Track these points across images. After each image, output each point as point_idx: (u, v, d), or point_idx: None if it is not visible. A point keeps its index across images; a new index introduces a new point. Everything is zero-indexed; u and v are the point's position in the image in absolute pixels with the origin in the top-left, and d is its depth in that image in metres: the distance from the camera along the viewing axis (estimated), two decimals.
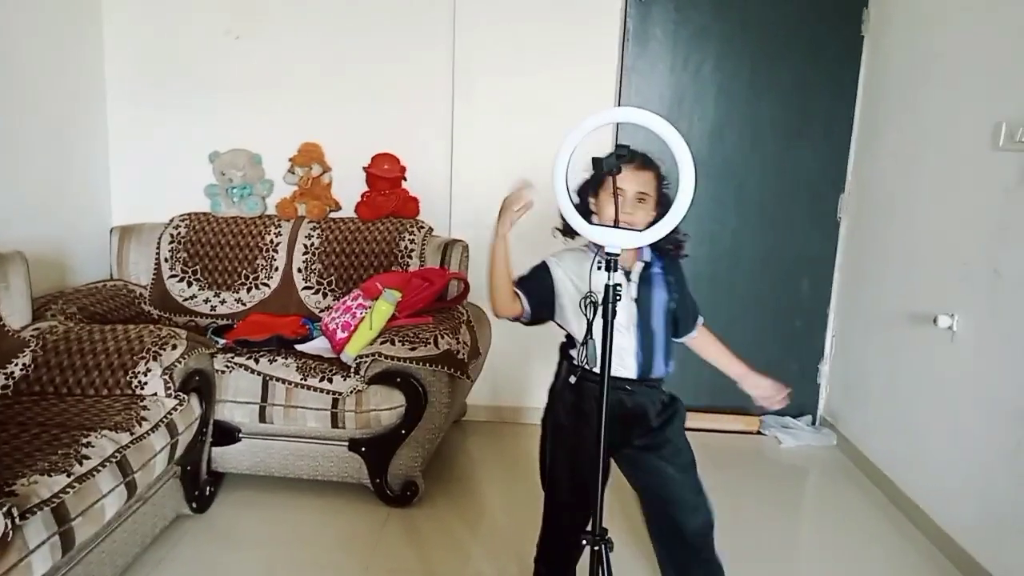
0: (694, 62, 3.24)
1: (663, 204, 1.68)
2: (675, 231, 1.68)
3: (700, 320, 1.82)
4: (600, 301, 1.47)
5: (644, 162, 1.65)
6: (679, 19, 3.20)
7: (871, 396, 3.06)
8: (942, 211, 2.59)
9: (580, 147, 1.41)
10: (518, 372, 3.40)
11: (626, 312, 1.66)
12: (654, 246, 1.70)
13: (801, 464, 3.19)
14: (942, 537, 2.47)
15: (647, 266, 1.70)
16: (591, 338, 1.52)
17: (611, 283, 1.44)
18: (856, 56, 3.22)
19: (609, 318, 1.46)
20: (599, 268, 1.46)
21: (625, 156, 1.45)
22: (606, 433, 1.49)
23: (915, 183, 2.78)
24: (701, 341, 1.83)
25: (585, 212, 1.66)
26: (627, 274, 1.68)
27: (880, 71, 3.11)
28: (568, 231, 1.61)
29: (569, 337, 1.75)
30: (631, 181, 1.62)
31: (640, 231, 1.44)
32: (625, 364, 1.67)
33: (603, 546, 1.49)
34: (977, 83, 2.43)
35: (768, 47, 3.23)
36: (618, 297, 1.46)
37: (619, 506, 1.78)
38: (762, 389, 1.78)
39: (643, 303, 1.68)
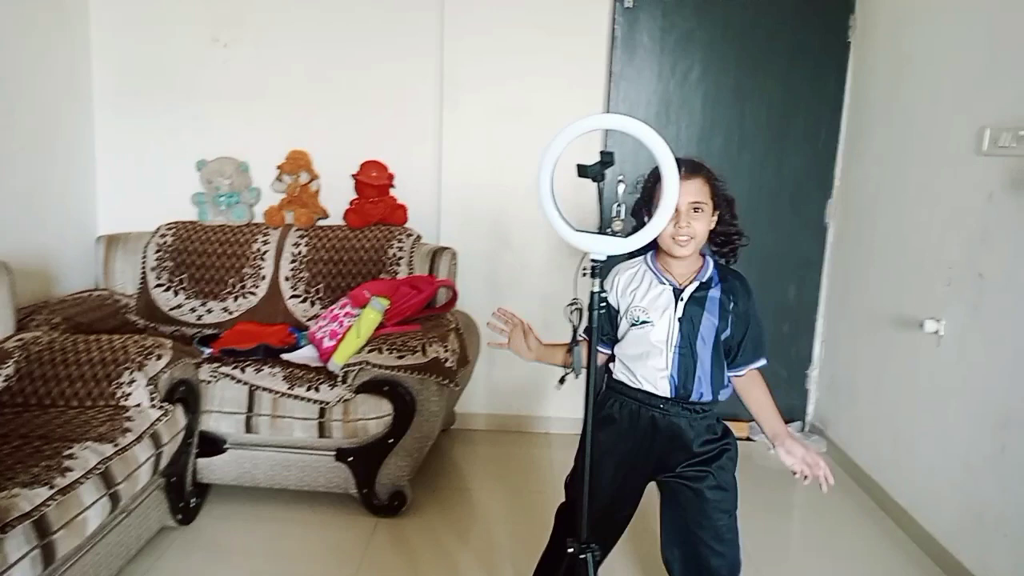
0: (681, 68, 3.25)
1: (725, 206, 1.63)
2: (733, 230, 1.64)
3: (757, 363, 1.66)
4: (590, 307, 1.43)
5: (690, 169, 1.57)
6: (666, 26, 3.21)
7: (859, 401, 3.07)
8: (928, 216, 2.60)
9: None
10: (514, 380, 3.40)
11: (666, 331, 1.60)
12: (717, 257, 1.64)
13: (790, 469, 3.18)
14: (928, 540, 2.47)
15: (702, 286, 1.61)
16: (576, 345, 1.51)
17: (595, 291, 1.42)
18: (843, 62, 3.24)
19: (594, 325, 1.44)
20: (583, 275, 1.44)
21: (610, 163, 1.42)
22: (592, 445, 1.49)
23: (902, 188, 2.79)
24: (747, 384, 1.68)
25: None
26: (678, 292, 1.61)
27: (866, 77, 3.13)
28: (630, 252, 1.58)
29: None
30: (681, 192, 1.50)
31: (623, 238, 1.40)
32: (659, 385, 1.62)
33: (589, 555, 1.48)
34: (962, 89, 2.44)
35: (754, 53, 3.24)
36: (603, 304, 1.45)
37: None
38: (795, 458, 1.62)
39: (687, 325, 1.59)
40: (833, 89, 3.26)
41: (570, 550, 1.50)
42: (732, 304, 1.61)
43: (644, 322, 1.61)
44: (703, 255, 1.64)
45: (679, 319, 1.59)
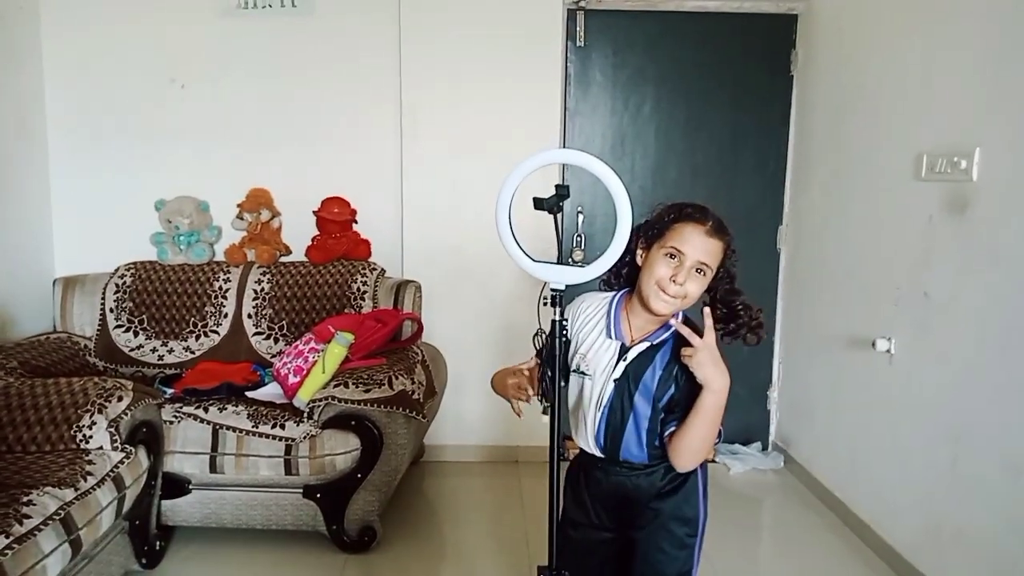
0: (634, 104, 3.36)
1: (725, 278, 1.47)
2: (736, 301, 1.46)
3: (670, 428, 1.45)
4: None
5: (717, 227, 1.43)
6: (617, 63, 3.32)
7: (818, 420, 3.14)
8: (874, 239, 2.71)
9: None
10: (482, 410, 3.40)
11: (600, 389, 1.49)
12: (725, 325, 1.44)
13: (754, 489, 3.24)
14: (889, 552, 2.54)
15: (652, 348, 1.46)
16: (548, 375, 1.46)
17: (556, 318, 1.43)
18: (787, 95, 3.37)
19: (558, 353, 1.45)
20: (544, 304, 1.45)
21: (565, 195, 1.40)
22: (558, 473, 1.47)
23: (848, 213, 2.91)
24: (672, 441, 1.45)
25: (629, 264, 1.49)
26: (624, 350, 1.47)
27: (809, 108, 3.27)
28: (608, 281, 1.52)
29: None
30: (696, 246, 1.40)
31: (582, 267, 1.39)
32: (589, 443, 1.53)
33: None
34: (898, 118, 2.57)
35: (703, 88, 3.35)
36: (564, 332, 1.45)
37: None
38: (698, 356, 1.38)
39: (624, 386, 1.46)
40: (779, 121, 3.39)
41: None
42: (677, 367, 1.44)
43: (583, 373, 1.51)
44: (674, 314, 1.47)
45: (615, 380, 1.47)
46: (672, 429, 1.45)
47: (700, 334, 1.39)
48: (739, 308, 1.47)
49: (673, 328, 1.44)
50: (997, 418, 2.07)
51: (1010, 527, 2.02)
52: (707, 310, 1.42)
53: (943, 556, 2.28)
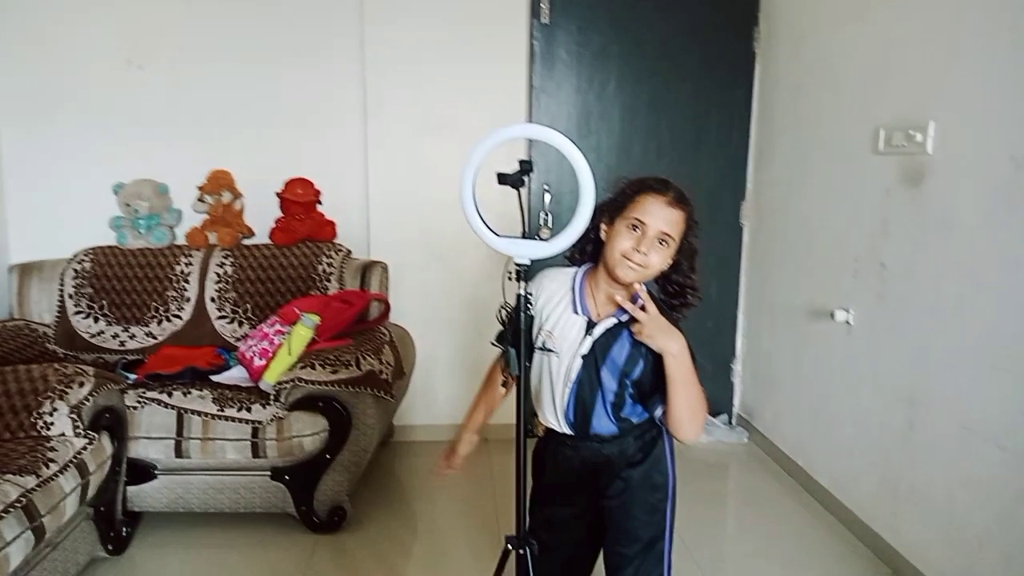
0: (599, 81, 3.36)
1: (687, 254, 1.50)
2: (689, 283, 1.51)
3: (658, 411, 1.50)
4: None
5: (678, 198, 1.45)
6: (582, 41, 3.31)
7: (780, 390, 3.21)
8: (833, 212, 2.76)
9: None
10: (451, 390, 3.41)
11: (567, 365, 1.50)
12: (670, 299, 1.50)
13: (717, 458, 3.31)
14: (848, 515, 2.62)
15: (620, 324, 1.48)
16: (511, 348, 1.47)
17: (520, 292, 1.44)
18: (749, 71, 3.40)
19: (522, 327, 1.46)
20: (509, 279, 1.45)
21: (529, 170, 1.43)
22: (525, 447, 1.51)
23: (808, 187, 2.96)
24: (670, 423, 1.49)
25: (593, 241, 1.51)
26: (590, 325, 1.49)
27: (771, 84, 3.30)
28: (572, 257, 1.54)
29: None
30: (658, 216, 1.42)
31: (546, 241, 1.41)
32: (558, 420, 1.56)
33: (527, 548, 1.51)
34: (857, 93, 2.61)
35: (667, 65, 3.36)
36: (529, 307, 1.46)
37: None
38: (646, 329, 1.41)
39: (591, 361, 1.49)
40: (742, 97, 3.41)
41: (509, 546, 1.52)
42: (644, 345, 1.44)
43: (548, 349, 1.52)
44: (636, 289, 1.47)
45: (583, 356, 1.49)
46: (661, 409, 1.49)
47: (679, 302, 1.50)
48: (688, 288, 1.53)
49: (640, 303, 1.45)
50: (951, 382, 2.14)
51: (961, 484, 2.10)
52: (640, 284, 1.46)
53: (898, 515, 2.36)
